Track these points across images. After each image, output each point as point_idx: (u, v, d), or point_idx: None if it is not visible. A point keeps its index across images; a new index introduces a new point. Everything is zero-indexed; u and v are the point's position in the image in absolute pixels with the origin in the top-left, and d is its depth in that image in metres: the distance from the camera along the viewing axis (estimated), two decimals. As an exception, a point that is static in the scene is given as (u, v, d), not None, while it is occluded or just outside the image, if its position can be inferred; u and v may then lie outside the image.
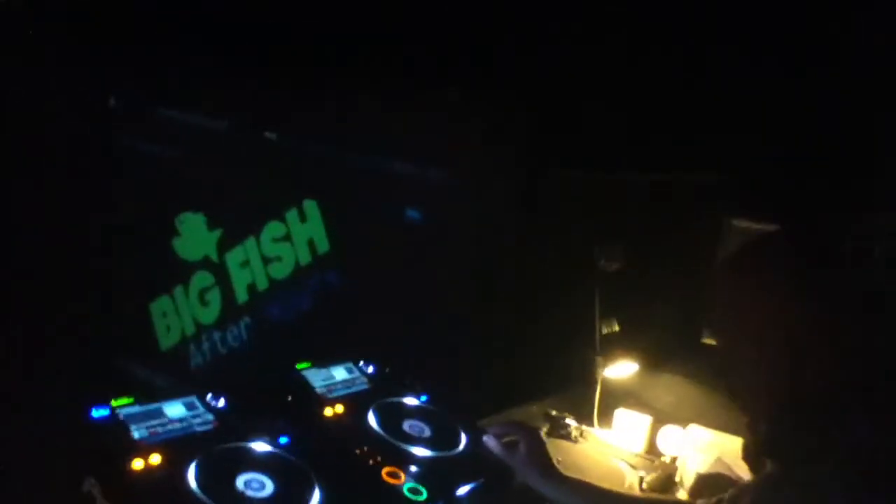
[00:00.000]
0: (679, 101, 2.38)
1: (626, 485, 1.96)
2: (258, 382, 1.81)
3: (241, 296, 3.43)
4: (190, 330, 3.61)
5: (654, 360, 2.33)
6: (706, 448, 2.06)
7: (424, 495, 1.50)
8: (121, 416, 1.40)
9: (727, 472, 1.91)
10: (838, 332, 1.15)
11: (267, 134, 3.28)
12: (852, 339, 1.15)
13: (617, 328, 2.29)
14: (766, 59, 2.27)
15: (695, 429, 2.14)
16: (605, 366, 2.29)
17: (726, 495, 1.30)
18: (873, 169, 2.09)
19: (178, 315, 3.62)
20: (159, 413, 1.45)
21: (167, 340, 3.69)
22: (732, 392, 1.30)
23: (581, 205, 2.43)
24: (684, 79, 2.37)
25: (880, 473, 1.05)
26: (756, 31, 2.27)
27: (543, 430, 2.20)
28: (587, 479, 1.65)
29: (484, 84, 2.52)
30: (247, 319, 3.43)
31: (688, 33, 2.34)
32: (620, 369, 2.30)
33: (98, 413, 1.38)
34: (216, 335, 3.52)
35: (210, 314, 3.53)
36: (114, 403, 1.41)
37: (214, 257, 3.49)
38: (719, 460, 1.96)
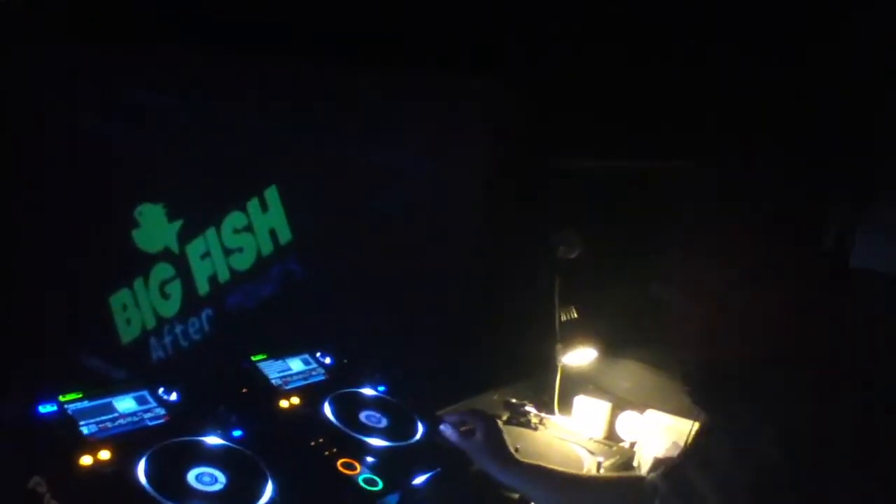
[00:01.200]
0: (637, 87, 2.39)
1: (585, 470, 1.97)
2: (213, 375, 1.80)
3: (203, 287, 3.40)
4: (150, 323, 3.57)
5: (613, 346, 2.35)
6: (663, 432, 2.09)
7: (380, 485, 1.50)
8: (69, 412, 1.38)
9: (682, 456, 1.93)
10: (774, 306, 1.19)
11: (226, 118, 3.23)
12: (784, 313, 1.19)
13: (575, 315, 2.30)
14: (727, 45, 2.29)
15: (652, 414, 2.17)
16: (564, 353, 2.30)
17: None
18: (847, 157, 2.13)
19: (139, 308, 3.58)
20: (109, 408, 1.43)
21: (128, 334, 3.65)
22: (672, 342, 1.35)
23: (538, 191, 2.43)
24: (645, 64, 2.38)
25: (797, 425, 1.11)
26: (725, 19, 2.28)
27: (503, 418, 2.21)
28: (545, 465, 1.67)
29: (453, 72, 2.50)
30: (208, 311, 3.40)
31: (653, 20, 2.35)
32: (579, 356, 2.32)
33: (45, 408, 1.36)
34: (178, 328, 3.49)
35: (171, 307, 3.49)
36: (62, 398, 1.39)
37: (175, 249, 3.45)
38: (675, 444, 1.99)
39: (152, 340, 3.57)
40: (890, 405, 1.13)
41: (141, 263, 3.52)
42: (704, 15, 2.28)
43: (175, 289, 3.47)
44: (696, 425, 1.36)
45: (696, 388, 1.31)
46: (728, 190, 1.31)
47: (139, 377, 1.63)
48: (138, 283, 3.56)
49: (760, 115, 2.19)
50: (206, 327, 3.40)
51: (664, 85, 2.38)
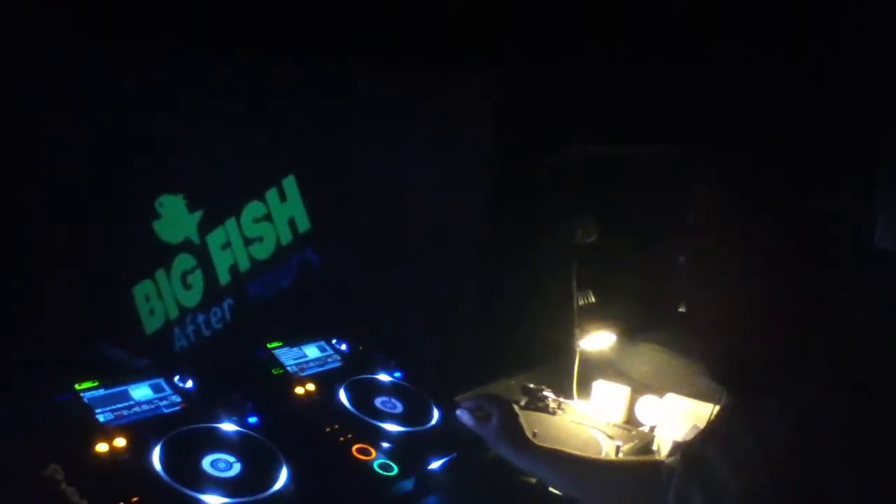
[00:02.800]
0: (649, 74, 2.37)
1: (603, 454, 1.97)
2: (229, 363, 1.81)
3: (224, 277, 3.42)
4: (173, 313, 3.59)
5: (631, 330, 2.33)
6: (683, 416, 2.07)
7: (395, 470, 1.50)
8: (85, 399, 1.40)
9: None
10: (793, 304, 1.18)
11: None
12: (805, 311, 1.18)
13: (593, 299, 2.28)
14: (734, 33, 2.26)
15: (672, 398, 2.15)
16: (582, 337, 2.29)
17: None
18: (852, 153, 2.08)
19: (161, 298, 3.61)
20: (125, 396, 1.45)
21: (151, 324, 3.68)
22: (695, 351, 1.34)
23: (554, 178, 2.42)
24: (656, 51, 2.36)
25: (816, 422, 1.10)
26: (726, 11, 2.26)
27: (521, 403, 2.21)
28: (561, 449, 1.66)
29: (456, 64, 2.49)
30: (230, 301, 3.42)
31: (653, 13, 2.32)
32: (598, 340, 2.30)
33: (61, 397, 1.38)
34: (200, 317, 3.51)
35: (193, 297, 3.52)
36: (77, 387, 1.40)
37: (196, 239, 3.47)
38: (695, 427, 1.97)
39: (175, 330, 3.60)
40: None
41: (163, 254, 3.55)
42: (705, 7, 2.26)
43: (196, 279, 3.50)
44: (717, 408, 1.35)
45: (717, 371, 1.29)
46: (735, 175, 1.29)
47: (155, 365, 1.65)
48: (160, 274, 3.58)
49: (766, 103, 2.16)
50: (228, 316, 3.42)
51: (666, 76, 2.36)
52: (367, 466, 1.48)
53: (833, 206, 1.23)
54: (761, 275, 1.19)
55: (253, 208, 3.27)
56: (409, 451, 1.56)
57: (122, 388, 1.46)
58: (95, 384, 1.43)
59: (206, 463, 1.34)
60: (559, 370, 2.35)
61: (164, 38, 3.31)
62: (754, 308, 1.20)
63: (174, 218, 3.52)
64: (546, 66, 2.37)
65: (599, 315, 2.28)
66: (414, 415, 1.68)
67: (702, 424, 1.98)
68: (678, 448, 1.88)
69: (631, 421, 2.23)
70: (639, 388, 2.25)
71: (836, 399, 1.12)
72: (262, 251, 3.28)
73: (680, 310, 1.37)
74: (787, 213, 1.20)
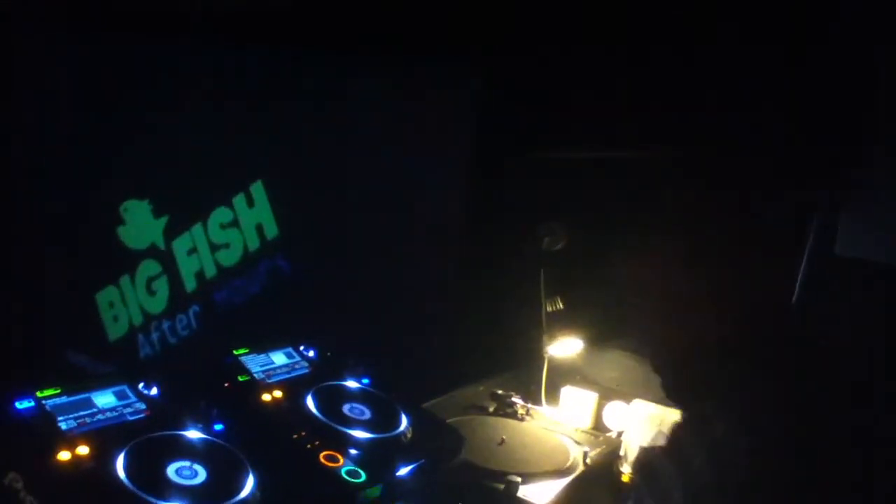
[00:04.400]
0: (625, 77, 2.38)
1: (571, 460, 1.97)
2: (194, 369, 1.79)
3: (190, 284, 3.38)
4: (138, 320, 3.55)
5: (599, 336, 2.35)
6: (649, 421, 2.08)
7: (363, 477, 1.49)
8: (47, 407, 1.37)
9: (668, 445, 1.93)
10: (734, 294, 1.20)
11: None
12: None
13: (561, 306, 2.30)
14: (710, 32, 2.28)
15: (639, 403, 2.16)
16: (550, 344, 2.30)
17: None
18: (819, 144, 2.12)
19: (126, 305, 3.56)
20: (88, 403, 1.42)
21: (115, 331, 3.63)
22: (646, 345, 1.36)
23: (523, 183, 2.43)
24: (632, 54, 2.37)
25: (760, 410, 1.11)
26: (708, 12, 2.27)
27: (489, 410, 2.21)
28: (531, 456, 1.66)
29: (435, 65, 2.49)
30: (196, 308, 3.39)
31: (637, 12, 2.33)
32: (566, 347, 2.32)
33: (22, 405, 1.35)
34: (165, 324, 3.47)
35: (158, 303, 3.47)
36: (39, 394, 1.38)
37: (161, 245, 3.43)
38: (661, 432, 1.99)
39: (140, 337, 3.56)
40: (856, 394, 1.13)
41: (127, 260, 3.50)
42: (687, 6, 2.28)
43: (162, 285, 3.46)
44: (674, 416, 1.36)
45: (666, 382, 1.31)
46: (702, 176, 1.31)
47: (119, 372, 1.62)
48: (125, 281, 3.54)
49: (741, 103, 2.19)
50: (194, 324, 3.38)
51: (645, 76, 2.37)
52: (335, 473, 1.47)
53: (811, 204, 1.26)
54: (704, 265, 1.21)
55: (220, 214, 3.24)
56: (377, 458, 1.55)
57: (86, 395, 1.43)
58: (58, 391, 1.40)
59: (170, 471, 1.32)
60: (528, 376, 2.36)
61: (132, 36, 3.26)
62: (694, 301, 1.22)
63: (139, 223, 3.48)
64: (529, 64, 2.37)
65: (568, 321, 2.29)
66: (382, 421, 1.67)
67: (666, 428, 2.00)
68: (645, 454, 1.90)
69: (599, 426, 2.25)
70: (606, 394, 2.27)
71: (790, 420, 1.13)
72: (229, 258, 3.25)
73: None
74: (743, 209, 1.22)
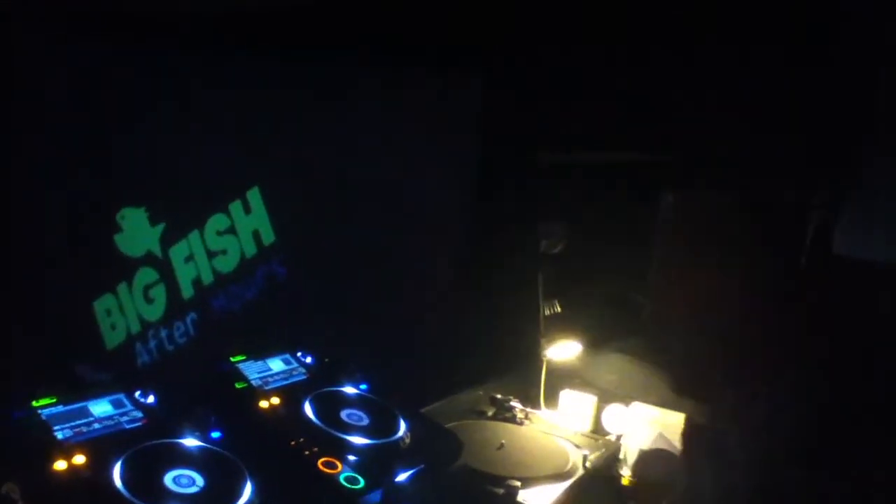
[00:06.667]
0: (621, 81, 2.38)
1: (570, 464, 1.97)
2: (192, 377, 1.78)
3: (187, 291, 3.37)
4: (135, 327, 3.53)
5: (598, 339, 2.35)
6: (649, 425, 2.08)
7: (362, 483, 1.49)
8: (43, 416, 1.37)
9: (667, 447, 1.93)
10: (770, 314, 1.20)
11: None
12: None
13: (559, 309, 2.29)
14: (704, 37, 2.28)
15: (638, 406, 2.16)
16: (548, 347, 2.29)
17: None
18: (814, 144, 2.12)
19: (123, 313, 3.55)
20: (84, 412, 1.42)
21: (112, 339, 3.62)
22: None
23: (522, 186, 2.42)
24: (629, 58, 2.37)
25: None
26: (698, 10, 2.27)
27: (489, 414, 2.21)
28: (530, 460, 1.66)
29: (437, 69, 2.49)
30: (193, 315, 3.38)
31: (638, 15, 2.34)
32: (564, 350, 2.31)
33: (18, 414, 1.35)
34: (163, 332, 3.46)
35: (155, 311, 3.46)
36: (35, 403, 1.37)
37: (158, 252, 3.42)
38: (660, 435, 1.98)
39: (137, 345, 3.54)
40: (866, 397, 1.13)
41: (124, 268, 3.49)
42: (686, 9, 2.28)
43: (159, 293, 3.44)
44: (673, 417, 1.35)
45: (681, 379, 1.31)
46: (706, 179, 1.31)
47: (116, 381, 1.61)
48: (122, 288, 3.53)
49: (741, 104, 2.19)
50: (192, 331, 3.37)
51: (645, 77, 2.37)
52: (334, 480, 1.47)
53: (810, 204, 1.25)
54: (726, 271, 1.21)
55: (216, 221, 3.24)
56: (376, 464, 1.55)
57: (82, 404, 1.42)
58: (54, 400, 1.40)
59: (168, 479, 1.31)
60: (526, 380, 2.35)
61: (128, 41, 3.26)
62: (717, 302, 1.22)
63: (136, 231, 3.47)
64: (530, 66, 2.37)
65: (566, 324, 2.29)
66: (380, 427, 1.67)
67: (665, 431, 2.01)
68: (644, 456, 1.90)
69: (598, 430, 2.24)
70: (605, 397, 2.26)
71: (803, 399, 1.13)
72: (226, 264, 3.24)
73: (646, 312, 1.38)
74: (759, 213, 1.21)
